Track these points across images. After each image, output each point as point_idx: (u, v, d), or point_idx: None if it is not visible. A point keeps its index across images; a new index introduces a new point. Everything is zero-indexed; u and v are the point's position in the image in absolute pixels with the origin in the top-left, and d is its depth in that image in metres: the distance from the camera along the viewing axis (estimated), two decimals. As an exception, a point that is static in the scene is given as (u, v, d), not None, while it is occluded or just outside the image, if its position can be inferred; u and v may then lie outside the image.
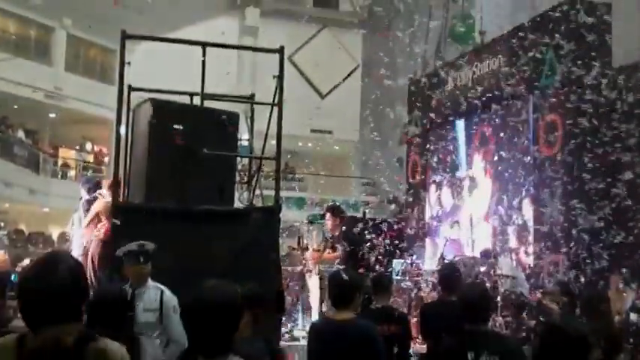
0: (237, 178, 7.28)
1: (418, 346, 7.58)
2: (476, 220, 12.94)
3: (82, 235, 7.94)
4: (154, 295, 5.23)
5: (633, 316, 8.54)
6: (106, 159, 22.97)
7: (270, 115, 7.03)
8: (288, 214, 14.80)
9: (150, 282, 5.26)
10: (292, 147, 22.82)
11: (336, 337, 4.58)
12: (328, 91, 26.85)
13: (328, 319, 4.90)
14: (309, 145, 26.47)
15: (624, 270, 9.28)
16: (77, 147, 23.21)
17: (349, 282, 4.74)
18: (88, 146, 22.95)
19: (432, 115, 14.48)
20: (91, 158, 22.25)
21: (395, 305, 7.73)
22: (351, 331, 4.60)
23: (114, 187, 6.51)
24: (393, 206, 18.41)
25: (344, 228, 8.80)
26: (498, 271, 10.13)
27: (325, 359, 4.66)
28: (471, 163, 13.60)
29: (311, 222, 12.23)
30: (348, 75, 26.95)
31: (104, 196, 8.82)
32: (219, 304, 2.70)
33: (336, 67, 26.23)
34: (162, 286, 5.23)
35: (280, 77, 6.90)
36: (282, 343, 7.04)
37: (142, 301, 5.16)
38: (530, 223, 11.38)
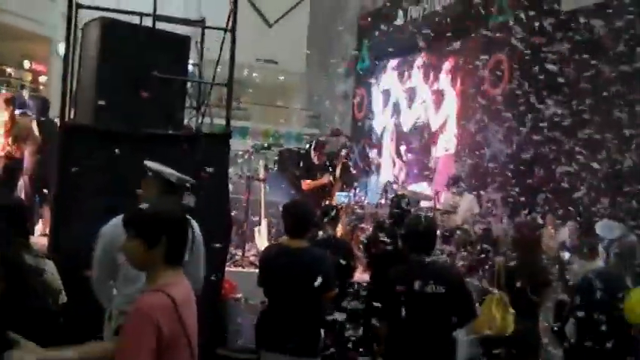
0: (187, 104, 7.18)
1: (360, 276, 7.74)
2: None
3: None
4: None
5: (564, 254, 8.88)
6: (42, 78, 22.23)
7: (223, 41, 6.92)
8: (232, 143, 14.68)
9: None
10: (237, 75, 22.49)
11: (291, 263, 4.69)
12: (275, 20, 26.41)
13: (282, 246, 5.00)
14: (254, 74, 26.13)
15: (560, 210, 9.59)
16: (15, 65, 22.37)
17: (304, 213, 4.85)
18: (27, 64, 22.12)
19: (381, 49, 14.48)
20: (29, 77, 21.48)
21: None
22: (306, 258, 4.72)
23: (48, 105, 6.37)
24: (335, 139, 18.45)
25: None
26: (439, 206, 10.40)
27: (279, 284, 4.77)
28: (419, 97, 13.77)
29: (256, 150, 12.27)
30: (297, 4, 26.52)
31: (1, 114, 8.78)
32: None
33: (285, -4, 25.75)
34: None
35: (235, 1, 6.78)
36: (228, 270, 7.11)
37: None
38: (470, 160, 11.64)
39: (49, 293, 3.76)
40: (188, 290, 2.80)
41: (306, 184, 10.35)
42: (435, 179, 12.70)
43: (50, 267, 3.98)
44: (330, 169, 10.65)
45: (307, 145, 11.87)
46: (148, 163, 4.26)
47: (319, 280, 4.60)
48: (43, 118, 9.15)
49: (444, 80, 13.05)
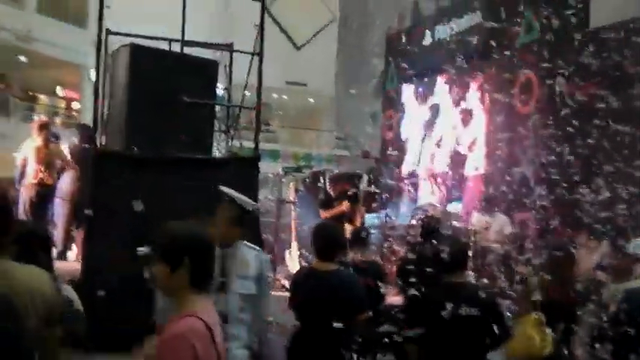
0: (216, 127, 7.23)
1: (391, 298, 7.66)
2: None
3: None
4: (250, 257, 4.26)
5: (599, 274, 8.71)
6: (75, 104, 22.57)
7: (251, 65, 6.97)
8: (262, 166, 14.73)
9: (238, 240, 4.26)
10: (266, 99, 22.69)
11: (320, 285, 4.66)
12: (304, 43, 26.58)
13: (312, 268, 4.97)
14: (284, 97, 26.31)
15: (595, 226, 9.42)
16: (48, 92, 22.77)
17: (333, 235, 4.83)
18: (59, 91, 22.48)
19: (410, 69, 14.45)
20: (62, 104, 21.83)
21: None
22: (334, 280, 4.68)
23: (91, 133, 6.44)
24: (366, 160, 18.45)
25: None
26: (470, 227, 10.29)
27: (308, 307, 4.74)
28: (449, 118, 13.69)
29: (286, 173, 12.34)
30: (325, 27, 26.66)
31: (34, 140, 8.75)
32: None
33: (313, 19, 25.92)
34: (251, 244, 4.33)
35: (261, 26, 6.84)
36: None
37: (234, 264, 4.15)
38: (500, 181, 11.52)
39: (79, 320, 3.77)
40: (215, 315, 2.76)
41: (324, 215, 10.48)
42: (466, 199, 12.59)
43: (70, 292, 3.99)
44: (351, 196, 10.84)
45: (322, 180, 12.15)
46: (224, 189, 4.21)
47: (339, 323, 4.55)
48: (86, 145, 9.20)
49: (473, 99, 12.98)
